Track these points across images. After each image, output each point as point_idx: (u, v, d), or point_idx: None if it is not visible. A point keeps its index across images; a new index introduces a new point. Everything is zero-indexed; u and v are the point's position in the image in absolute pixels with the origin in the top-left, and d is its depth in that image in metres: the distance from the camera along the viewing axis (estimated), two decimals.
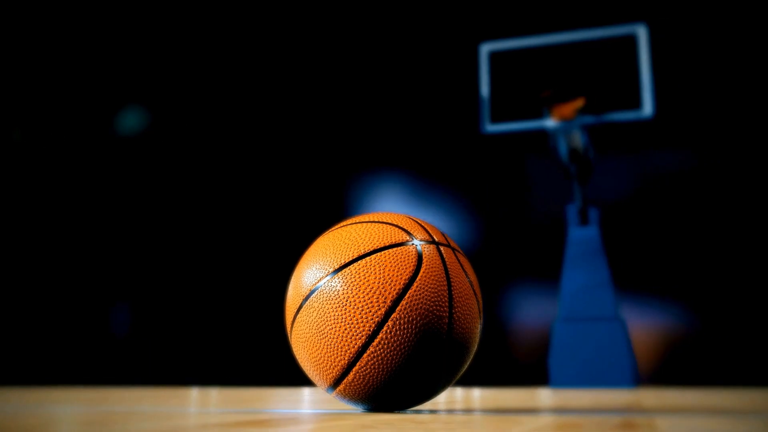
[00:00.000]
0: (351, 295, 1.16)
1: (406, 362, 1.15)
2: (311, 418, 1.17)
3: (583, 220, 3.64)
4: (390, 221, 1.26)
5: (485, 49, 3.62)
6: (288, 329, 1.27)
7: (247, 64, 5.13)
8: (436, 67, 4.47)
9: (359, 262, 1.18)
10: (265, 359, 4.61)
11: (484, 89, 3.58)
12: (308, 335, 1.19)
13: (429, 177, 4.62)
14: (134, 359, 4.92)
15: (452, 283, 1.20)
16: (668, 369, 4.07)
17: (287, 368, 4.54)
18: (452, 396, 2.36)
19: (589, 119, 3.39)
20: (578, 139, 3.41)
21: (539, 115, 3.44)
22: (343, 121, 4.81)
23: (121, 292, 5.11)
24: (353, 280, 1.17)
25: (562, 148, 3.47)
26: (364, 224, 1.25)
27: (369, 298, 1.15)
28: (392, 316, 1.15)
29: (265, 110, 5.06)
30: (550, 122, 3.38)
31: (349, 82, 4.80)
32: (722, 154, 3.85)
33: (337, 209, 4.94)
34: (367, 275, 1.17)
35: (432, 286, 1.18)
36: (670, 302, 4.06)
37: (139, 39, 5.40)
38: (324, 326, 1.17)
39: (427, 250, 1.21)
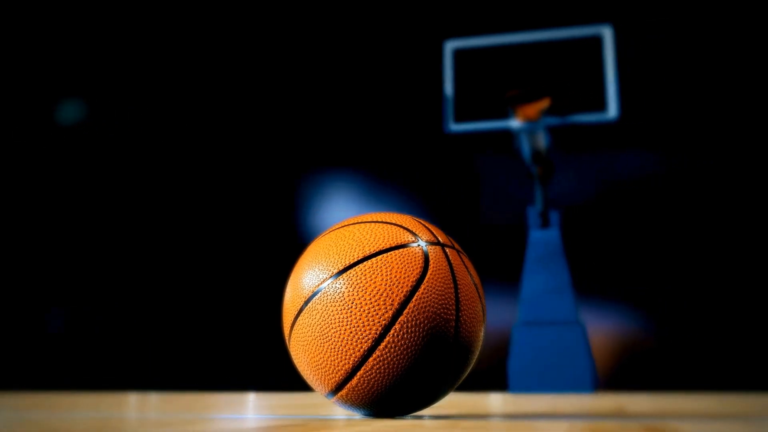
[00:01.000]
0: (357, 298, 1.15)
1: (413, 367, 1.15)
2: (319, 424, 1.16)
3: (544, 223, 3.70)
4: (394, 221, 1.26)
5: (450, 46, 3.64)
6: (286, 332, 1.26)
7: (194, 53, 5.06)
8: (399, 64, 4.49)
9: (365, 263, 1.18)
10: (203, 362, 4.55)
11: (449, 88, 3.61)
12: (310, 338, 1.18)
13: (386, 176, 4.64)
14: (66, 362, 4.81)
15: (459, 286, 1.21)
16: (623, 374, 4.16)
17: (224, 372, 4.48)
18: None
19: (553, 120, 3.44)
20: (542, 140, 3.46)
21: (504, 115, 3.48)
22: (298, 118, 4.79)
23: (54, 294, 4.99)
24: (359, 281, 1.16)
25: (526, 149, 3.52)
26: (367, 224, 1.25)
27: (376, 301, 1.15)
28: (399, 319, 1.15)
29: (214, 104, 5.00)
30: (515, 122, 3.42)
31: (308, 77, 4.77)
32: (686, 159, 3.95)
33: (287, 207, 4.92)
34: (373, 277, 1.16)
35: (439, 288, 1.18)
36: (628, 307, 4.15)
37: (78, 30, 5.28)
38: (328, 329, 1.16)
39: (433, 252, 1.22)
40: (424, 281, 1.17)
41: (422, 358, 1.16)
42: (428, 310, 1.16)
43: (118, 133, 5.13)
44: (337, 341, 1.16)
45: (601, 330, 4.20)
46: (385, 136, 4.54)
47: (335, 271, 1.19)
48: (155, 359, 4.70)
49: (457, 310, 1.19)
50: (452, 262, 1.23)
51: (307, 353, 1.20)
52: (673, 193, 3.95)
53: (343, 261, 1.19)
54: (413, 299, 1.15)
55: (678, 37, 4.01)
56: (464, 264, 1.26)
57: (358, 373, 1.16)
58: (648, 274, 3.97)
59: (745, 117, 3.84)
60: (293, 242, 4.84)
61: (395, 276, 1.16)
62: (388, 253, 1.19)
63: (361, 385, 1.17)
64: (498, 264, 4.05)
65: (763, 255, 3.75)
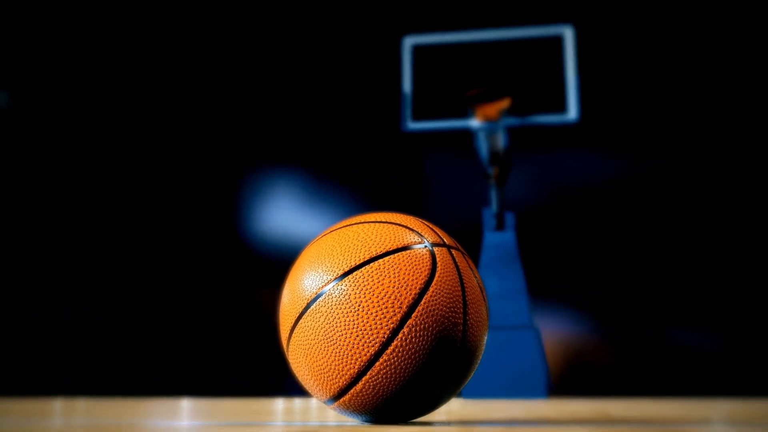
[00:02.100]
0: (364, 300, 1.15)
1: (420, 372, 1.16)
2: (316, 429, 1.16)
3: (499, 225, 3.74)
4: (398, 221, 1.27)
5: (408, 42, 3.66)
6: (285, 336, 1.25)
7: (127, 41, 4.96)
8: (354, 59, 4.48)
9: (371, 264, 1.18)
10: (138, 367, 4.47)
11: (407, 85, 3.63)
12: (313, 342, 1.18)
13: (333, 175, 4.63)
14: None
15: (466, 288, 1.22)
16: (572, 379, 4.24)
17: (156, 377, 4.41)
18: None
19: (512, 121, 3.49)
20: (500, 140, 3.51)
21: (463, 114, 3.52)
22: (243, 112, 4.73)
23: None
24: (366, 283, 1.16)
25: (483, 150, 3.56)
26: (371, 224, 1.25)
27: (384, 303, 1.15)
28: (408, 323, 1.15)
29: (148, 95, 4.91)
30: (474, 122, 3.46)
31: (256, 69, 4.72)
32: (644, 164, 4.06)
33: (227, 205, 4.86)
34: (380, 279, 1.16)
35: (447, 291, 1.19)
36: (581, 311, 4.23)
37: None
38: (333, 333, 1.16)
39: (440, 253, 1.22)
40: (433, 284, 1.18)
41: (429, 363, 1.16)
42: (437, 314, 1.17)
43: (46, 126, 5.00)
44: (343, 345, 1.15)
45: (554, 334, 4.27)
46: (334, 133, 4.53)
47: (340, 272, 1.19)
48: (85, 363, 4.59)
49: (465, 313, 1.20)
50: (458, 263, 1.24)
51: (309, 357, 1.19)
52: (631, 197, 4.05)
53: (348, 262, 1.19)
54: (422, 302, 1.16)
55: (640, 40, 4.11)
56: (469, 266, 1.27)
57: (364, 378, 1.16)
58: (603, 279, 4.06)
59: (707, 121, 3.96)
60: (233, 242, 4.79)
61: (403, 278, 1.17)
62: (395, 255, 1.19)
63: (365, 391, 1.17)
64: None
65: (717, 259, 3.88)
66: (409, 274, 1.17)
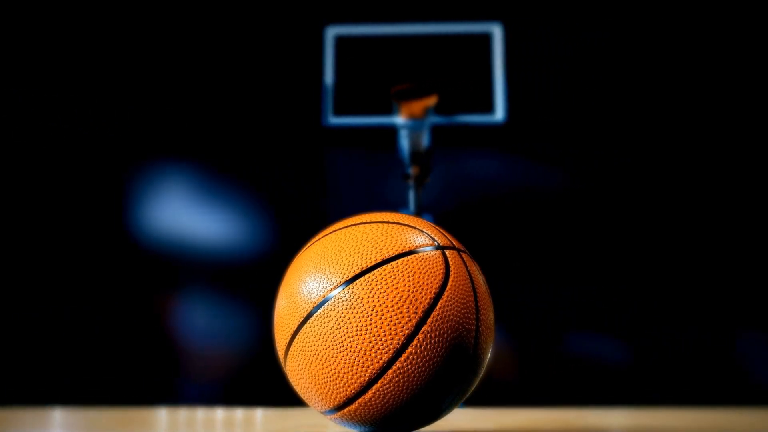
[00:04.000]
0: (378, 304, 1.15)
1: (432, 380, 1.17)
2: None
3: None
4: (405, 222, 1.27)
5: (331, 32, 3.65)
6: (284, 343, 1.23)
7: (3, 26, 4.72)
8: (270, 48, 4.40)
9: (385, 267, 1.18)
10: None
11: (329, 78, 3.62)
12: (320, 349, 1.17)
13: (234, 172, 4.55)
14: None
15: (477, 293, 1.24)
16: (487, 388, 4.31)
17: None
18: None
19: (438, 119, 3.53)
20: (423, 139, 3.55)
21: (388, 110, 3.53)
22: (136, 102, 4.58)
23: None
24: (379, 286, 1.16)
25: (405, 148, 3.59)
26: (379, 224, 1.25)
27: (399, 308, 1.15)
28: (423, 329, 1.16)
29: (27, 82, 4.69)
30: (399, 119, 3.48)
31: (150, 52, 4.57)
32: (569, 169, 4.18)
33: (114, 201, 4.70)
34: (395, 282, 1.17)
35: (461, 296, 1.20)
36: (497, 318, 4.31)
37: None
38: (343, 338, 1.15)
39: (451, 256, 1.24)
40: (447, 288, 1.19)
41: (442, 371, 1.18)
42: (451, 319, 1.18)
43: None
44: (354, 351, 1.15)
45: None
46: (239, 126, 4.45)
47: (350, 274, 1.18)
48: None
49: (477, 319, 1.22)
50: (469, 267, 1.26)
51: (314, 365, 1.18)
52: (551, 204, 4.16)
53: (359, 264, 1.19)
54: (437, 307, 1.17)
55: (573, 40, 4.23)
56: (478, 270, 1.29)
57: (374, 387, 1.16)
58: (516, 284, 4.16)
59: (635, 130, 4.10)
60: (118, 241, 4.64)
61: (418, 281, 1.18)
62: (409, 257, 1.20)
63: (375, 400, 1.17)
64: None
65: (631, 268, 4.03)
66: (423, 277, 1.18)
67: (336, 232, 1.26)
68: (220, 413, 2.88)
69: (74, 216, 4.45)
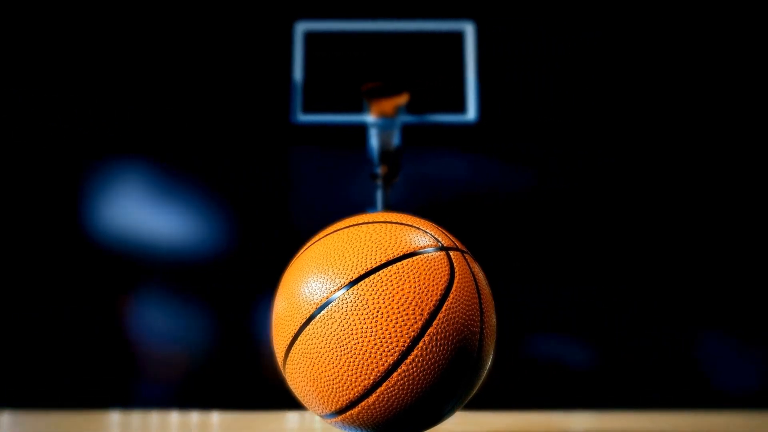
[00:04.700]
0: (383, 306, 1.15)
1: (437, 383, 1.17)
2: None
3: None
4: (408, 222, 1.27)
5: (301, 28, 3.63)
6: (283, 345, 1.22)
7: None
8: (236, 43, 4.35)
9: (390, 267, 1.18)
10: None
11: (298, 74, 3.60)
12: (323, 351, 1.17)
13: (194, 170, 4.50)
14: None
15: (481, 295, 1.25)
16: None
17: None
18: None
19: (409, 118, 3.54)
20: (393, 138, 3.55)
21: (359, 108, 3.53)
22: (95, 100, 4.50)
23: None
24: (385, 288, 1.16)
25: (374, 147, 3.58)
26: (382, 225, 1.25)
27: (405, 310, 1.15)
28: (429, 331, 1.16)
29: None
30: (369, 117, 3.48)
31: (108, 46, 4.50)
32: (541, 169, 4.20)
33: (68, 199, 4.63)
34: (400, 283, 1.17)
35: (466, 298, 1.21)
36: None
37: None
38: (347, 340, 1.15)
39: (456, 257, 1.24)
40: (452, 290, 1.20)
41: (446, 374, 1.18)
42: (457, 322, 1.18)
43: None
44: (359, 354, 1.15)
45: None
46: (200, 124, 4.40)
47: (355, 275, 1.18)
48: None
49: (481, 321, 1.23)
50: (473, 269, 1.26)
51: (317, 367, 1.18)
52: (521, 204, 4.18)
53: (363, 265, 1.18)
54: (443, 309, 1.17)
55: (547, 41, 4.25)
56: (481, 271, 1.29)
57: (378, 390, 1.16)
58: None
59: (609, 130, 4.13)
60: (72, 239, 4.57)
61: (423, 283, 1.18)
62: (414, 258, 1.20)
63: (378, 403, 1.17)
64: None
65: (595, 271, 4.06)
66: (429, 279, 1.18)
67: (338, 232, 1.25)
68: (174, 417, 2.86)
69: (27, 214, 4.37)
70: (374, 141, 3.63)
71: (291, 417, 2.81)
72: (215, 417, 2.78)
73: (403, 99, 3.47)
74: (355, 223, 1.27)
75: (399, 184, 3.71)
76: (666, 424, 2.08)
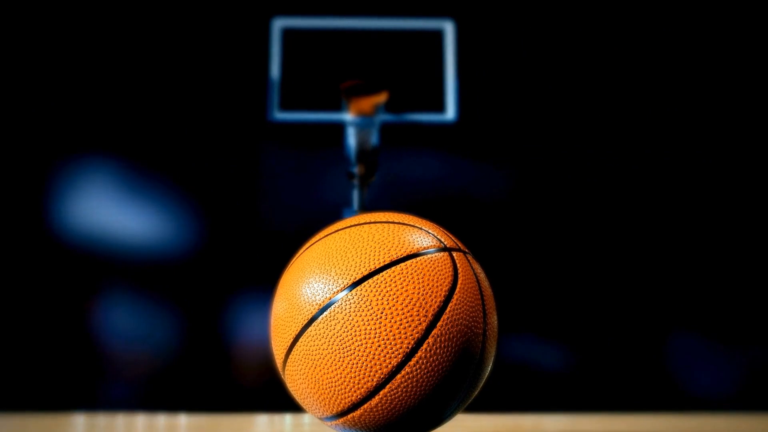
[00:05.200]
0: (387, 307, 1.15)
1: (440, 385, 1.17)
2: None
3: None
4: (410, 222, 1.27)
5: (278, 24, 3.61)
6: (284, 347, 1.22)
7: None
8: (213, 39, 4.31)
9: (393, 268, 1.18)
10: None
11: (275, 71, 3.58)
12: (325, 353, 1.16)
13: (163, 168, 4.46)
14: None
15: (484, 296, 1.25)
16: None
17: None
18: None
19: (388, 117, 3.54)
20: (371, 137, 3.54)
21: (337, 106, 3.52)
22: (61, 96, 4.45)
23: None
24: (389, 289, 1.16)
25: (351, 146, 3.58)
26: (384, 225, 1.25)
27: (409, 311, 1.15)
28: (433, 333, 1.16)
29: None
30: (347, 116, 3.47)
31: (76, 41, 4.45)
32: (519, 170, 4.22)
33: (34, 197, 4.57)
34: (404, 284, 1.17)
35: (469, 299, 1.21)
36: None
37: None
38: (351, 342, 1.15)
39: (459, 258, 1.25)
40: (456, 291, 1.20)
41: (450, 376, 1.18)
42: (461, 323, 1.19)
43: None
44: (362, 356, 1.15)
45: None
46: (170, 121, 4.37)
47: (358, 276, 1.17)
48: None
49: (485, 323, 1.23)
50: (475, 270, 1.26)
51: (319, 369, 1.17)
52: (498, 204, 4.20)
53: (366, 265, 1.18)
54: (446, 311, 1.17)
55: (527, 40, 4.26)
56: (483, 273, 1.30)
57: (381, 392, 1.15)
58: None
59: (587, 131, 4.15)
60: (37, 238, 4.51)
61: (428, 284, 1.18)
62: (418, 259, 1.20)
63: (381, 406, 1.17)
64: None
65: (569, 274, 4.09)
66: (433, 280, 1.18)
67: (339, 232, 1.25)
68: (141, 419, 2.84)
69: None
70: (352, 140, 3.62)
71: (260, 420, 2.80)
72: (182, 419, 2.77)
73: (382, 97, 3.47)
74: (356, 222, 1.27)
75: (376, 183, 3.71)
76: (640, 427, 2.10)
